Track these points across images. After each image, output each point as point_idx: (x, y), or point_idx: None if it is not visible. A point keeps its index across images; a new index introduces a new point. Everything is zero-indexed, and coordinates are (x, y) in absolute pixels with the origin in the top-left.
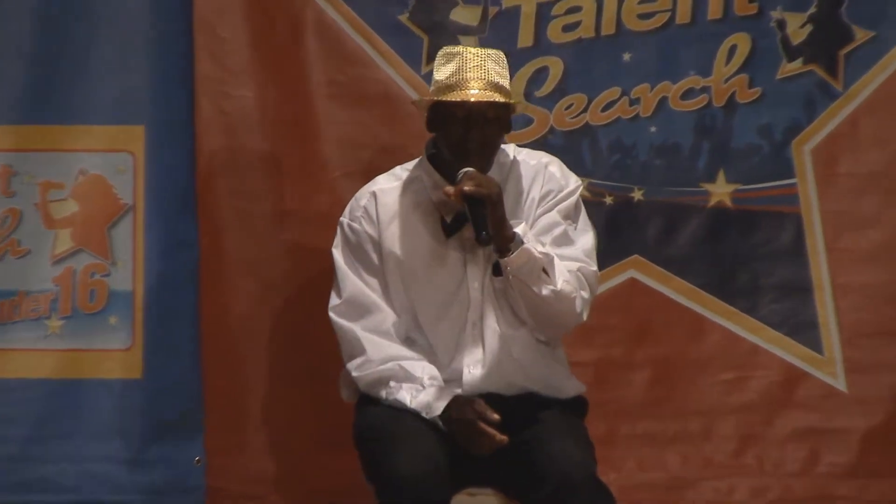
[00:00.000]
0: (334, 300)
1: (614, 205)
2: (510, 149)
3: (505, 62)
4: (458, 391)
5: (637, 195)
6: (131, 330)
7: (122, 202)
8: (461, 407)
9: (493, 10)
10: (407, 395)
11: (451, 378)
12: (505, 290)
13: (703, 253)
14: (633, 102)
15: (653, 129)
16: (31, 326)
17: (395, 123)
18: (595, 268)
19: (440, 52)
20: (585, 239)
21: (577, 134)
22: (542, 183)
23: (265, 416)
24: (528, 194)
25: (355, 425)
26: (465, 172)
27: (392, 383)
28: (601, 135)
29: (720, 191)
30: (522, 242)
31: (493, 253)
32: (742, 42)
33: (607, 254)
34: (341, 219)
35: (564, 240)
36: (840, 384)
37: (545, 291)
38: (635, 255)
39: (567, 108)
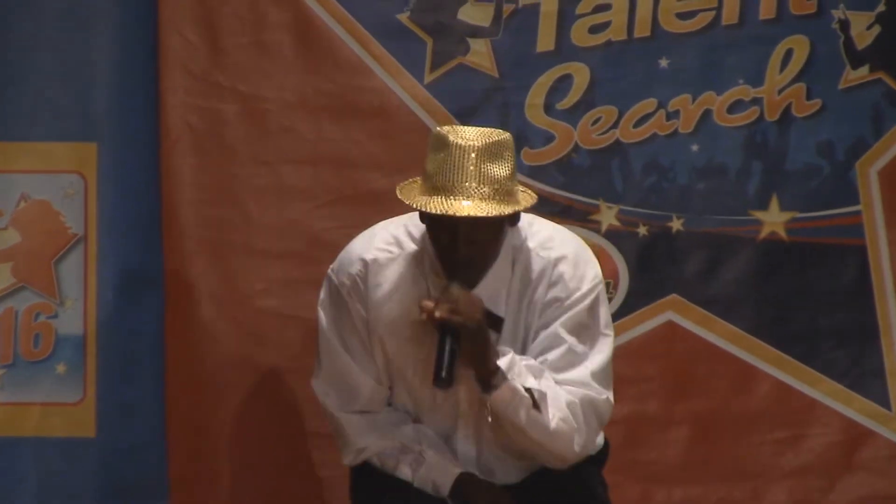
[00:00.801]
0: (316, 369)
1: (649, 236)
2: (525, 226)
3: (507, 150)
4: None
5: (676, 225)
6: (82, 380)
7: (70, 232)
8: (476, 492)
9: (507, 9)
10: (408, 470)
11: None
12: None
13: (753, 292)
14: (671, 116)
15: (694, 147)
16: None
17: (391, 140)
18: (606, 394)
19: (434, 132)
20: (598, 356)
21: (605, 153)
22: (547, 285)
23: (239, 482)
24: (532, 296)
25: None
26: (449, 291)
27: (388, 460)
28: (634, 154)
29: (773, 220)
30: (507, 378)
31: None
32: (799, 46)
33: (641, 293)
34: (329, 272)
35: (568, 361)
36: None
37: (534, 432)
38: (673, 295)
39: (594, 123)
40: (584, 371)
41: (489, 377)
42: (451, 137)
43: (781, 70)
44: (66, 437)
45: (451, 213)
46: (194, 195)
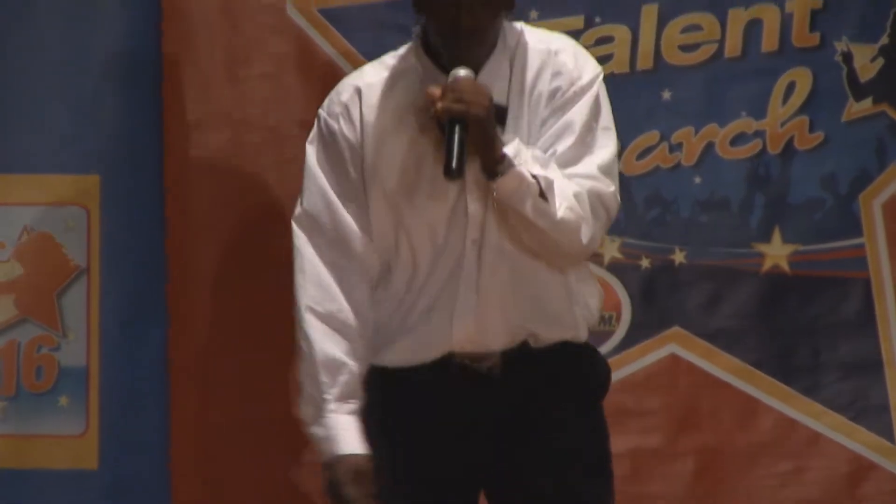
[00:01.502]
0: (298, 207)
1: (652, 269)
2: (518, 27)
3: None
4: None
5: (678, 257)
6: (85, 413)
7: (73, 264)
8: (340, 475)
9: None
10: (309, 410)
11: (441, 308)
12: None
13: (756, 325)
14: (673, 149)
15: (697, 179)
16: None
17: None
18: (613, 188)
19: None
20: (603, 150)
21: None
22: (549, 76)
23: None
24: (533, 89)
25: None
26: (452, 80)
27: (305, 383)
28: (636, 187)
29: (776, 252)
30: (513, 165)
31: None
32: (802, 79)
33: (643, 326)
34: (319, 110)
35: (574, 152)
36: None
37: (541, 221)
38: (676, 328)
39: None
40: (590, 164)
41: (495, 165)
42: None
43: (784, 103)
44: (68, 470)
45: None
46: (199, 226)
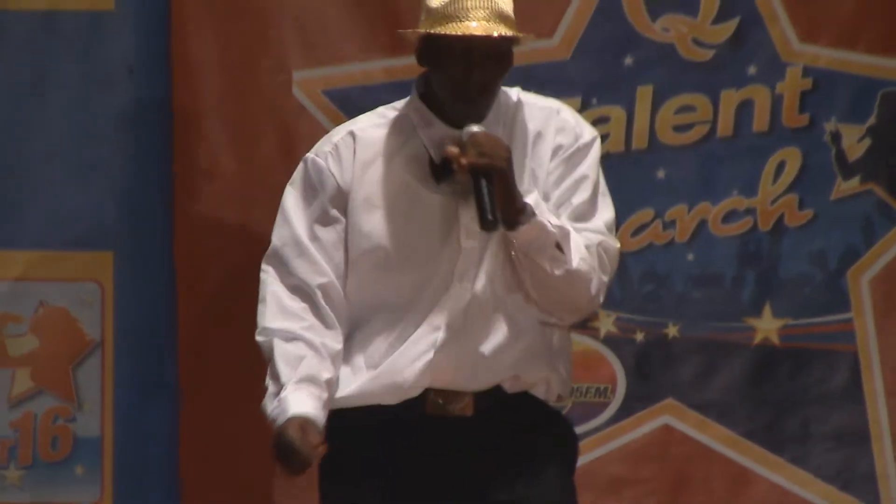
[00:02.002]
0: (271, 246)
1: (646, 342)
2: (514, 92)
3: None
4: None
5: (672, 331)
6: (100, 481)
7: (88, 338)
8: (287, 432)
9: None
10: (268, 403)
11: (420, 345)
12: (502, 246)
13: (747, 397)
14: (667, 226)
15: (690, 256)
16: None
17: None
18: (618, 244)
19: None
20: (606, 209)
21: None
22: (553, 132)
23: None
24: (533, 146)
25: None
26: (470, 136)
27: (270, 365)
28: (632, 262)
29: (767, 326)
30: (534, 214)
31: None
32: (791, 158)
33: (638, 397)
34: (307, 154)
35: (587, 206)
36: None
37: (558, 271)
38: (670, 399)
39: None
40: (599, 221)
41: (517, 215)
42: None
43: (774, 181)
44: None
45: (472, 32)
46: (209, 301)
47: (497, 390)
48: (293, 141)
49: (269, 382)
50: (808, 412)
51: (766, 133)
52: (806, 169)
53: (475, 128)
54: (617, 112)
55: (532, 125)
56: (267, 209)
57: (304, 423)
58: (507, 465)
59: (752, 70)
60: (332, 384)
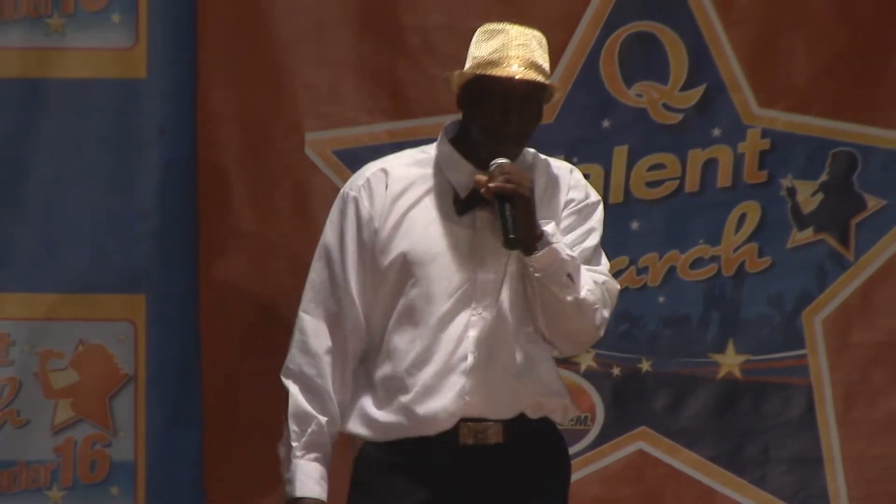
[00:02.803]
0: (309, 278)
1: (622, 376)
2: (531, 152)
3: (546, 45)
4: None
5: (645, 366)
6: (134, 501)
7: (122, 372)
8: None
9: None
10: (281, 452)
11: (450, 378)
12: (521, 283)
13: (713, 425)
14: (640, 272)
15: (661, 298)
16: (32, 497)
17: None
18: (618, 286)
19: (480, 29)
20: (604, 257)
21: None
22: (566, 188)
23: None
24: (550, 198)
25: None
26: (498, 165)
27: (284, 429)
28: None
29: (730, 362)
30: (551, 242)
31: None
32: (752, 211)
33: (615, 426)
34: (343, 189)
35: (593, 252)
36: None
37: (569, 297)
38: (643, 427)
39: None
40: (603, 265)
41: (535, 240)
42: (504, 25)
43: (736, 231)
44: None
45: (514, 75)
46: (231, 341)
47: (522, 417)
48: (305, 194)
49: (284, 427)
50: (767, 439)
51: (729, 188)
52: (765, 220)
53: (502, 160)
54: (596, 169)
55: (549, 180)
56: (281, 256)
57: None
58: (526, 489)
59: (716, 132)
60: (334, 438)
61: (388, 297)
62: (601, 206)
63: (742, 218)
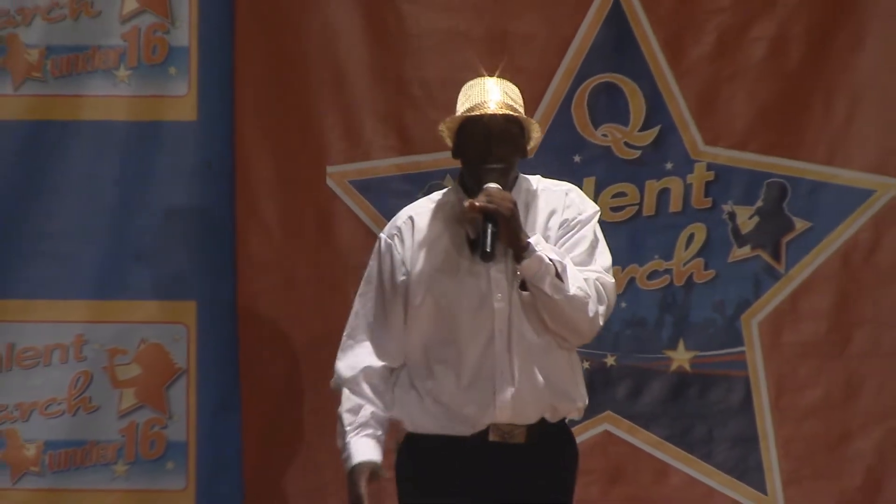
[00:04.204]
0: (356, 301)
1: (591, 369)
2: (535, 179)
3: (518, 92)
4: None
5: (610, 360)
6: (186, 474)
7: (177, 366)
8: (354, 477)
9: None
10: (339, 441)
11: (481, 387)
12: (526, 301)
13: (666, 410)
14: None
15: (623, 304)
16: (101, 470)
17: None
18: (612, 280)
19: (463, 87)
20: (604, 258)
21: None
22: (562, 208)
23: None
24: (548, 222)
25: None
26: (485, 188)
27: (338, 421)
28: None
29: (680, 357)
30: (535, 250)
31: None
32: (699, 231)
33: (585, 410)
34: (381, 233)
35: (584, 258)
36: None
37: (558, 296)
38: (608, 412)
39: None
40: (597, 265)
41: (521, 251)
42: (481, 80)
43: (686, 248)
44: None
45: (485, 111)
46: (265, 341)
47: (542, 421)
48: (327, 218)
49: (338, 419)
50: (712, 421)
51: (680, 213)
52: (709, 239)
53: (491, 185)
54: None
55: (548, 205)
56: (306, 270)
57: (371, 470)
58: (546, 491)
59: (668, 166)
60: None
61: (423, 323)
62: (595, 217)
63: (691, 237)
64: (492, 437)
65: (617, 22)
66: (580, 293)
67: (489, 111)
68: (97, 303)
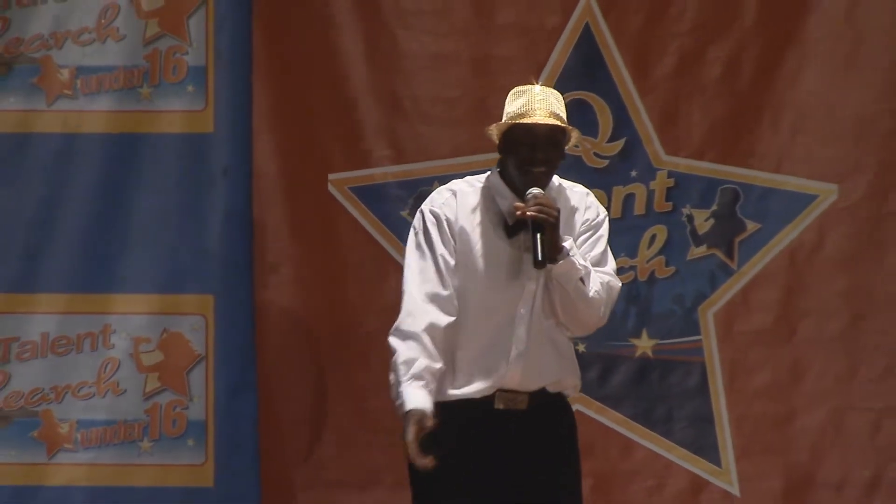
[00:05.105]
0: (408, 267)
1: None
2: (555, 178)
3: (562, 100)
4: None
5: (581, 347)
6: (205, 450)
7: (196, 353)
8: (407, 422)
9: None
10: (392, 391)
11: (491, 357)
12: (546, 286)
13: (631, 392)
14: None
15: None
16: (128, 446)
17: None
18: (619, 284)
19: (512, 91)
20: (612, 260)
21: None
22: (584, 208)
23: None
24: (573, 217)
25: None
26: (533, 196)
27: (391, 376)
28: None
29: (644, 345)
30: (569, 255)
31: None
32: (660, 232)
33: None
34: (420, 209)
35: (601, 257)
36: (734, 490)
37: (578, 297)
38: (580, 393)
39: None
40: (609, 267)
41: (557, 254)
42: (530, 87)
43: (649, 247)
44: (194, 487)
45: (538, 122)
46: (277, 330)
47: (543, 391)
48: (329, 220)
49: (391, 374)
50: (672, 402)
51: (643, 216)
52: (670, 239)
53: (536, 190)
54: None
55: (571, 202)
56: (312, 267)
57: (420, 417)
58: (549, 452)
59: (633, 173)
60: (436, 374)
61: (461, 288)
62: (607, 219)
63: (653, 237)
64: (497, 405)
65: (587, 45)
66: (597, 296)
67: (539, 121)
68: (125, 296)
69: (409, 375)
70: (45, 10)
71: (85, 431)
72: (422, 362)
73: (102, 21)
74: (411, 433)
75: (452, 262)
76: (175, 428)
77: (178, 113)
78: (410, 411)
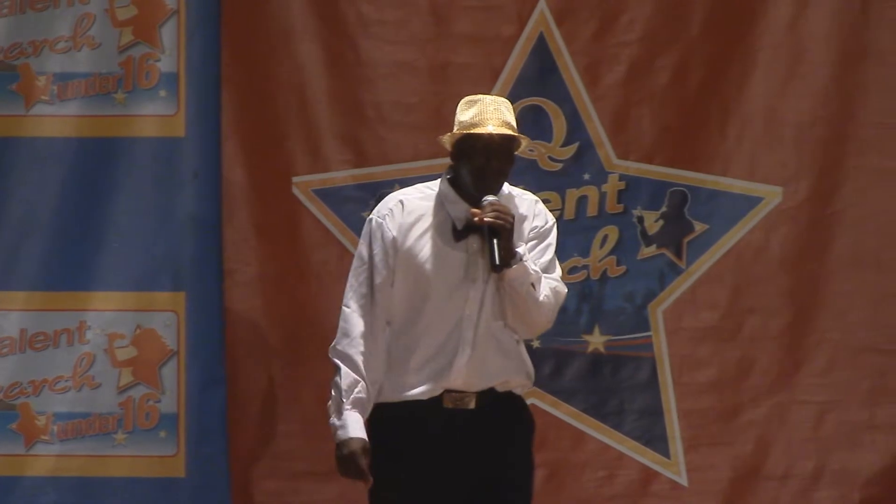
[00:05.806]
0: (349, 280)
1: None
2: (504, 185)
3: (512, 108)
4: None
5: (536, 343)
6: (177, 442)
7: (169, 348)
8: (353, 449)
9: None
10: (332, 407)
11: (440, 359)
12: (497, 290)
13: (584, 386)
14: None
15: None
16: (103, 438)
17: None
18: (566, 289)
19: (463, 100)
20: (559, 266)
21: None
22: (533, 216)
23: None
24: (522, 224)
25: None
26: (489, 202)
27: (333, 391)
28: None
29: (596, 341)
30: (522, 260)
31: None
32: (612, 232)
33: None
34: (370, 216)
35: (549, 264)
36: (682, 481)
37: (530, 301)
38: (534, 387)
39: None
40: (556, 273)
41: (510, 259)
42: (481, 97)
43: (601, 247)
44: (166, 478)
45: (490, 132)
46: (244, 328)
47: (491, 390)
48: (293, 221)
49: (333, 390)
50: (623, 396)
51: (596, 216)
52: (621, 239)
53: (491, 197)
54: None
55: (521, 210)
56: (278, 265)
57: (363, 446)
58: (497, 448)
59: (586, 176)
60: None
61: (404, 300)
62: (555, 227)
63: (605, 238)
64: (445, 405)
65: (541, 53)
66: (547, 301)
67: (492, 131)
68: (99, 293)
69: (349, 402)
70: (24, 20)
71: (61, 424)
72: (361, 388)
73: (79, 30)
74: (363, 463)
75: (385, 273)
76: (148, 420)
77: (150, 118)
78: (353, 439)
